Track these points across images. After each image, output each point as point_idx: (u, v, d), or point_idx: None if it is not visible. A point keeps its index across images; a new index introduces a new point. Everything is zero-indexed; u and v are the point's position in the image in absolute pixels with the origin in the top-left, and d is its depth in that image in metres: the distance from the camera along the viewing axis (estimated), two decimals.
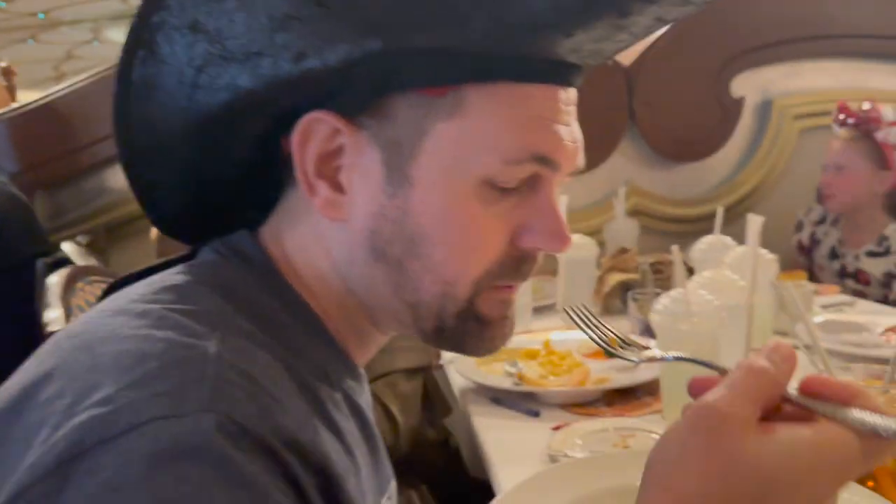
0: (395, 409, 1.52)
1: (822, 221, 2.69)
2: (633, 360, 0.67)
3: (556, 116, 0.65)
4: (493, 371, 1.59)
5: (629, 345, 0.67)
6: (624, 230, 2.57)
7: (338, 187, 0.65)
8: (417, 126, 0.63)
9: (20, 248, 2.14)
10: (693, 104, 2.95)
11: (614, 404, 1.43)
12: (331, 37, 0.59)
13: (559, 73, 0.65)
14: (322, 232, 0.68)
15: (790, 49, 2.99)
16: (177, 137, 0.67)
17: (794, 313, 1.50)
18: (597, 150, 2.89)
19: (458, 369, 1.58)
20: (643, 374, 1.49)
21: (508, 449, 1.27)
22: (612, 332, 0.70)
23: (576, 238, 2.18)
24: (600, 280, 2.17)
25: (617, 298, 2.11)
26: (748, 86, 3.00)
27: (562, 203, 2.20)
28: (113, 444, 0.49)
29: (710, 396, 0.49)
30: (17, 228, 2.23)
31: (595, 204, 2.91)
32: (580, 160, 0.69)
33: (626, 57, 2.92)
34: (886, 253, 2.46)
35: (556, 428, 1.30)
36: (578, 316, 0.73)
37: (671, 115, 2.91)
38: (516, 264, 0.67)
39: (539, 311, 2.12)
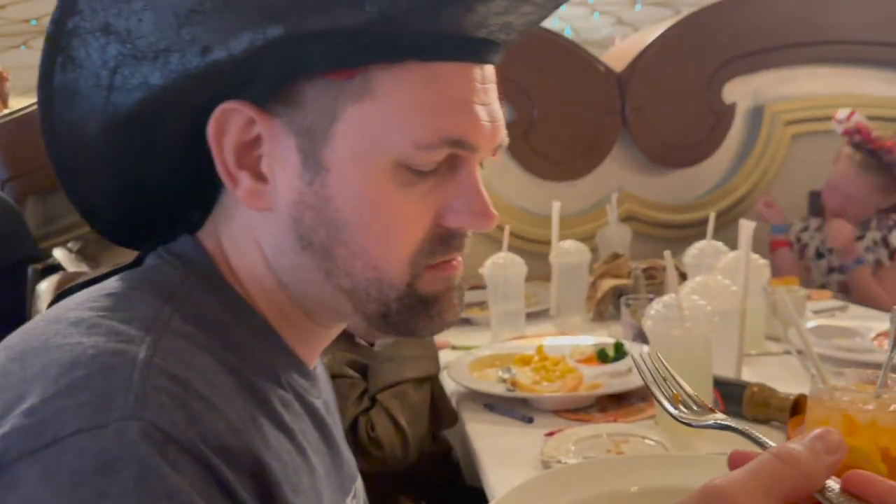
0: (403, 421, 1.52)
1: (804, 230, 2.78)
2: (691, 425, 0.60)
3: (470, 96, 0.64)
4: (487, 377, 1.59)
5: (694, 404, 0.62)
6: (616, 236, 2.57)
7: (260, 177, 0.65)
8: (328, 111, 0.62)
9: (8, 253, 2.14)
10: (685, 110, 2.96)
11: (607, 410, 1.43)
12: (234, 27, 0.59)
13: (468, 50, 0.64)
14: (252, 225, 0.67)
15: (782, 55, 3.00)
16: (101, 141, 0.66)
17: (787, 318, 1.51)
18: (589, 156, 2.90)
19: (452, 375, 1.58)
20: (636, 380, 1.49)
21: (501, 455, 1.27)
22: (680, 387, 0.64)
23: (568, 244, 2.19)
24: (593, 286, 2.17)
25: (609, 304, 2.11)
26: (740, 92, 3.01)
27: (555, 209, 2.20)
28: (36, 457, 0.49)
29: (727, 478, 0.46)
30: (5, 233, 2.23)
31: (588, 210, 2.92)
32: (502, 137, 0.68)
33: (619, 63, 2.93)
34: (863, 237, 2.56)
35: (550, 434, 1.30)
36: (647, 368, 0.66)
37: (663, 121, 2.92)
38: (445, 241, 0.66)
39: (532, 316, 2.12)
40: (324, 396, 0.77)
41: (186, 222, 0.72)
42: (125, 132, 0.66)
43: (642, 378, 0.66)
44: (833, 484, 0.47)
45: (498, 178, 2.86)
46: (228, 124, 0.63)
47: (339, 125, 0.62)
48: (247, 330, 0.66)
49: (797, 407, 1.25)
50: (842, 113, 2.59)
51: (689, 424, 0.59)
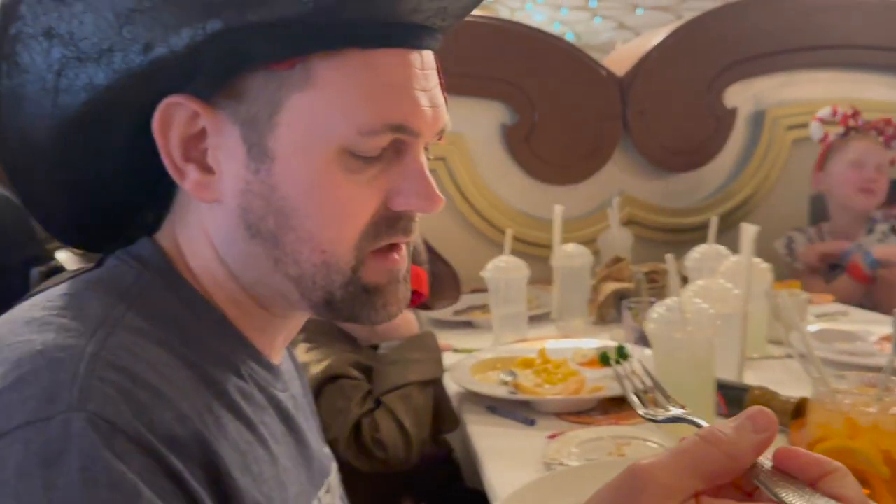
0: (407, 423, 1.52)
1: (809, 242, 2.73)
2: (654, 420, 0.61)
3: (410, 81, 0.65)
4: (489, 379, 1.59)
5: (669, 404, 0.62)
6: (618, 240, 2.58)
7: (206, 169, 0.66)
8: (271, 100, 0.63)
9: (17, 252, 2.15)
10: (686, 114, 2.96)
11: (610, 413, 1.43)
12: (174, 23, 0.60)
13: (405, 36, 0.66)
14: (203, 219, 0.69)
15: (783, 59, 3.01)
16: (50, 144, 0.67)
17: (789, 322, 1.51)
18: (591, 160, 2.91)
19: (454, 377, 1.59)
20: None
21: (504, 457, 1.27)
22: (661, 390, 0.65)
23: (570, 247, 2.19)
24: (595, 289, 2.17)
25: (611, 307, 2.11)
26: (741, 96, 3.02)
27: (556, 212, 2.21)
28: None
29: (651, 459, 0.46)
30: (13, 231, 2.24)
31: (589, 213, 2.92)
32: (443, 122, 0.69)
33: (621, 67, 2.94)
34: (871, 232, 2.56)
35: (552, 436, 1.30)
36: (623, 371, 0.69)
37: (665, 125, 2.92)
38: (391, 223, 0.68)
39: (534, 320, 2.12)
40: (291, 390, 0.78)
41: (143, 225, 0.73)
42: (75, 134, 0.66)
43: (616, 377, 0.69)
44: (765, 462, 0.47)
45: (500, 181, 2.87)
46: (173, 118, 0.65)
47: (282, 114, 0.64)
48: (204, 324, 0.67)
49: (799, 410, 1.25)
50: (824, 111, 2.61)
51: (651, 420, 0.61)
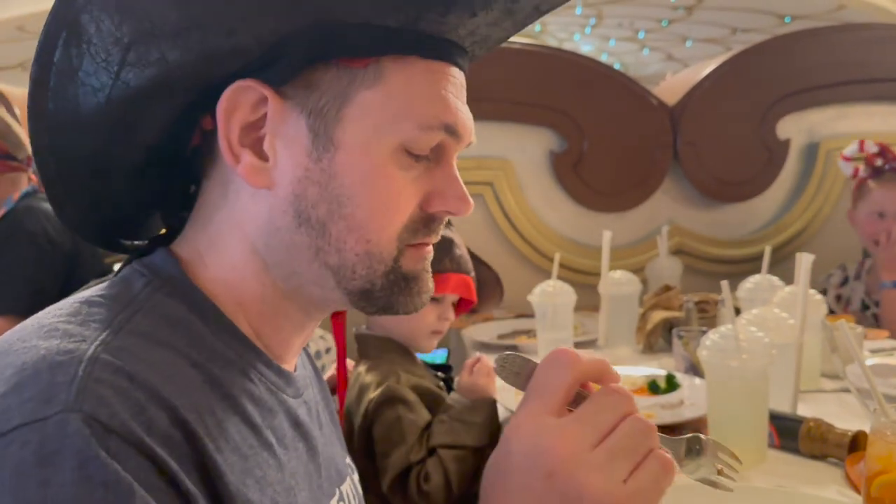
0: (455, 484, 1.52)
1: (844, 283, 2.65)
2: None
3: (456, 94, 0.72)
4: None
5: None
6: (666, 269, 2.56)
7: (261, 155, 0.68)
8: (342, 94, 0.67)
9: (79, 273, 2.26)
10: (738, 145, 2.94)
11: None
12: (260, 12, 0.63)
13: (456, 54, 0.72)
14: (240, 210, 0.70)
15: (837, 92, 2.98)
16: (90, 120, 0.68)
17: (847, 354, 1.48)
18: (640, 189, 2.89)
19: (501, 400, 1.58)
20: (689, 412, 1.47)
21: None
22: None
23: (618, 274, 2.18)
24: (643, 317, 2.15)
25: (660, 336, 2.09)
26: (794, 128, 2.99)
27: (605, 238, 2.20)
28: None
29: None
30: (72, 253, 2.38)
31: (638, 242, 2.91)
32: (473, 136, 0.75)
33: (672, 96, 2.93)
34: None
35: None
36: None
37: (716, 156, 2.90)
38: (426, 224, 0.72)
39: (580, 346, 2.11)
40: (304, 397, 0.79)
41: (156, 232, 0.76)
42: (123, 110, 0.67)
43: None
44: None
45: (548, 208, 2.87)
46: (239, 102, 0.67)
47: (350, 108, 0.67)
48: (213, 329, 0.68)
49: (855, 444, 1.22)
50: (851, 149, 2.53)
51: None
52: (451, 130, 0.71)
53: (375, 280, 0.70)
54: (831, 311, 2.64)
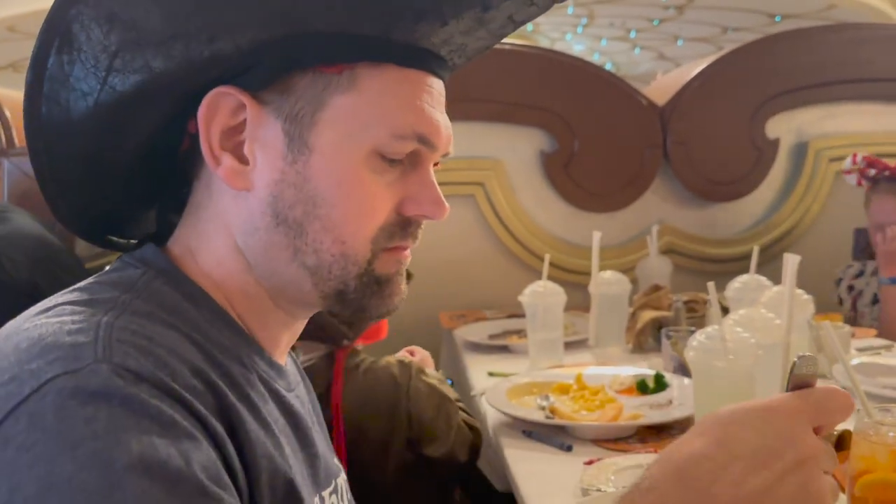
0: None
1: (860, 275, 2.67)
2: None
3: (433, 103, 0.73)
4: (525, 404, 1.59)
5: None
6: (656, 268, 2.57)
7: (242, 159, 0.71)
8: (316, 100, 0.69)
9: (57, 280, 2.17)
10: (728, 145, 2.95)
11: (648, 441, 1.42)
12: (240, 22, 0.66)
13: (432, 63, 0.74)
14: (223, 211, 0.73)
15: (827, 92, 2.99)
16: (80, 123, 0.71)
17: (832, 354, 1.49)
18: (631, 188, 2.90)
19: (490, 401, 1.59)
20: (677, 412, 1.48)
21: (540, 482, 1.27)
22: None
23: (608, 274, 2.18)
24: (633, 317, 2.16)
25: (649, 336, 2.09)
26: (784, 127, 3.00)
27: (595, 238, 2.21)
28: (18, 411, 0.54)
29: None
30: (56, 260, 2.23)
31: (628, 242, 2.92)
32: (450, 146, 0.76)
33: (661, 96, 2.94)
34: None
35: (589, 462, 1.29)
36: None
37: (706, 155, 2.91)
38: (403, 227, 0.74)
39: (571, 346, 2.11)
40: (296, 391, 0.81)
41: (147, 229, 0.79)
42: (111, 114, 0.70)
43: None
44: None
45: (539, 208, 2.88)
46: (219, 107, 0.70)
47: (325, 112, 0.70)
48: (207, 317, 0.70)
49: (841, 443, 1.23)
50: (847, 163, 2.55)
51: None
52: (425, 140, 0.72)
53: (349, 281, 0.72)
54: (840, 302, 2.66)
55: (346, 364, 1.66)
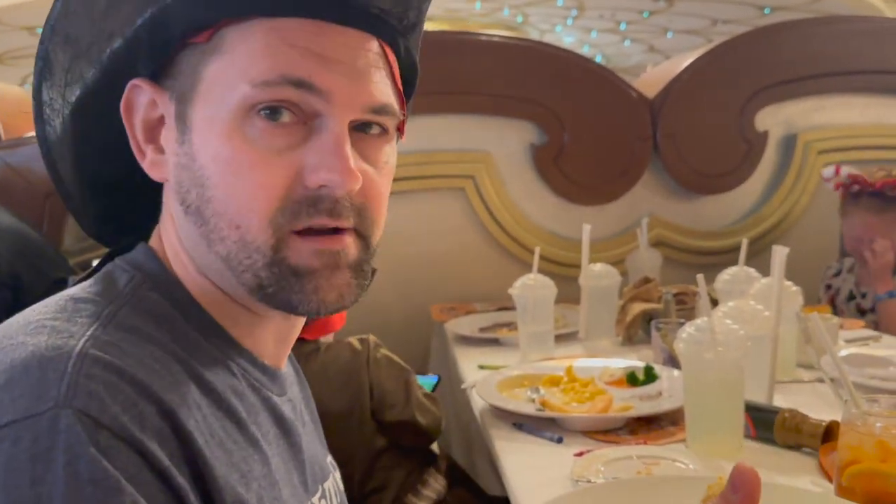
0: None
1: (837, 273, 2.72)
2: None
3: (320, 46, 0.65)
4: (516, 396, 1.60)
5: None
6: (646, 261, 2.57)
7: (160, 149, 0.70)
8: (195, 74, 0.67)
9: (43, 275, 2.15)
10: (717, 137, 2.96)
11: (638, 433, 1.42)
12: (121, 11, 0.67)
13: (316, 8, 0.65)
14: (168, 204, 0.72)
15: (815, 84, 3.00)
16: (62, 137, 0.74)
17: (820, 345, 1.50)
18: (621, 181, 2.91)
19: (480, 393, 1.59)
20: (666, 403, 1.49)
21: (531, 473, 1.27)
22: None
23: (598, 267, 2.19)
24: (622, 309, 2.16)
25: (639, 328, 2.10)
26: (772, 120, 3.01)
27: (585, 231, 2.21)
28: None
29: None
30: (33, 257, 2.20)
31: (618, 234, 2.92)
32: (372, 97, 0.67)
33: (651, 89, 2.94)
34: None
35: (579, 454, 1.30)
36: None
37: (695, 148, 2.92)
38: (311, 203, 0.65)
39: (561, 338, 2.12)
40: (289, 395, 0.79)
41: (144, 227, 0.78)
42: (77, 125, 0.73)
43: None
44: None
45: (528, 201, 2.88)
46: (135, 102, 0.70)
47: (201, 85, 0.66)
48: (194, 325, 0.69)
49: (829, 434, 1.24)
50: (828, 171, 2.57)
51: None
52: (301, 83, 0.64)
53: (259, 273, 0.66)
54: (818, 301, 2.69)
55: (300, 352, 1.68)
